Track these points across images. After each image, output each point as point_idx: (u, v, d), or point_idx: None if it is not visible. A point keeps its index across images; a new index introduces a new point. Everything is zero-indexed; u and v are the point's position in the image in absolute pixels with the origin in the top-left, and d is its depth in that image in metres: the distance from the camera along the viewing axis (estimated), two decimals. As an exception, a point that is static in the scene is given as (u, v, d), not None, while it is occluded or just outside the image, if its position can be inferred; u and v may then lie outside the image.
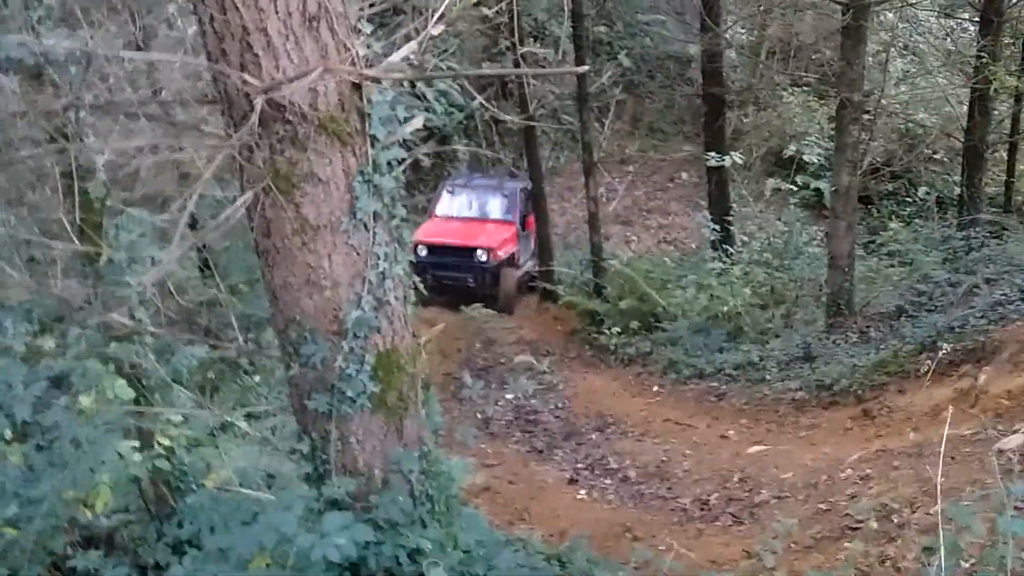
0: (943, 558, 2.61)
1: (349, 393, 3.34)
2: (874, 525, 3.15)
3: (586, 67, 12.00)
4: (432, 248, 13.84)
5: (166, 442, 4.42)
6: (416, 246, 13.12)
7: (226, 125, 3.12)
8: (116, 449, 3.91)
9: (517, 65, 12.12)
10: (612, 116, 17.99)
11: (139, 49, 5.11)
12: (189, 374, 5.04)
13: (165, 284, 6.60)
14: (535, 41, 16.46)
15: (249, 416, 5.96)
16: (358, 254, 3.24)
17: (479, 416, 8.20)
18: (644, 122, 20.11)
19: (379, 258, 3.28)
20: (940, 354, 6.26)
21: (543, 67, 15.63)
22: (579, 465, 6.91)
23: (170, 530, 3.92)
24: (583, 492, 6.33)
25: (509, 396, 8.83)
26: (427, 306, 10.56)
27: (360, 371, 3.34)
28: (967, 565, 2.79)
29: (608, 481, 6.45)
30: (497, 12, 11.05)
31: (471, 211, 15.13)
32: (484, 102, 7.43)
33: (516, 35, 9.64)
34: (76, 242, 4.51)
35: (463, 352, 10.55)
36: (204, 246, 10.66)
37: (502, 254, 14.28)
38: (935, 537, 2.77)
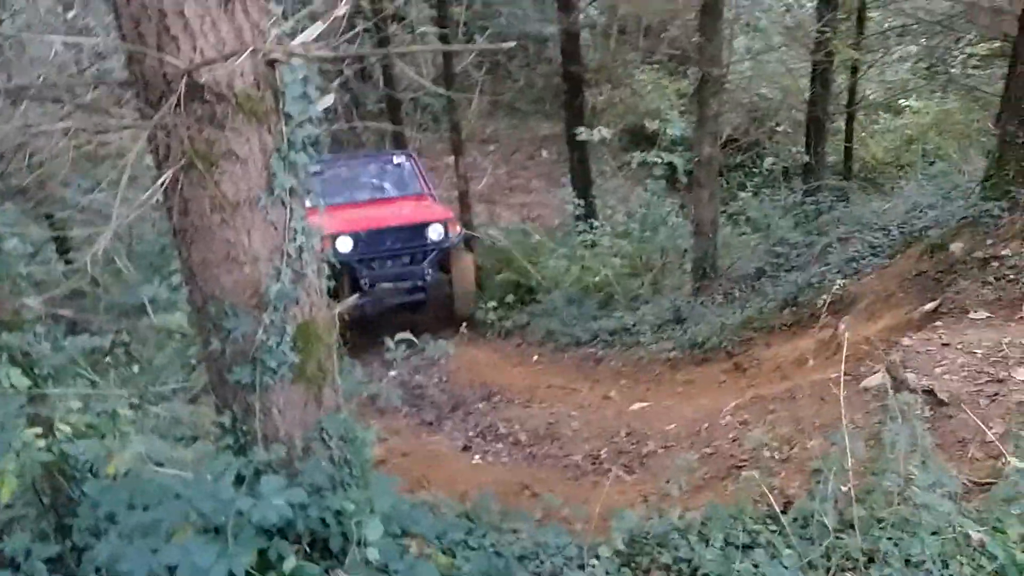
0: (831, 478, 2.94)
1: (271, 364, 3.46)
2: (767, 454, 3.49)
3: (464, 46, 12.13)
4: (361, 238, 9.97)
5: (67, 429, 4.40)
6: (333, 240, 9.79)
7: (141, 106, 3.17)
8: (20, 438, 3.88)
9: (382, 46, 12.17)
10: (477, 96, 18.20)
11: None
12: (84, 360, 5.00)
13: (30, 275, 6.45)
14: (393, 22, 16.46)
15: (134, 405, 5.91)
16: (276, 229, 3.36)
17: (364, 395, 8.29)
18: (503, 102, 20.42)
19: (296, 232, 3.40)
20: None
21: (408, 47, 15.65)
22: (470, 433, 7.13)
23: (84, 514, 3.92)
24: (477, 457, 6.56)
25: (392, 373, 8.95)
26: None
27: (281, 343, 3.46)
28: (844, 488, 3.11)
29: (500, 445, 6.71)
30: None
31: (360, 193, 11.35)
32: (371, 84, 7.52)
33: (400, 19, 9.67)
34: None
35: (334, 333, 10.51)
36: (65, 240, 10.36)
37: (460, 228, 11.01)
38: (820, 461, 3.07)
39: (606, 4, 17.81)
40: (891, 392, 3.11)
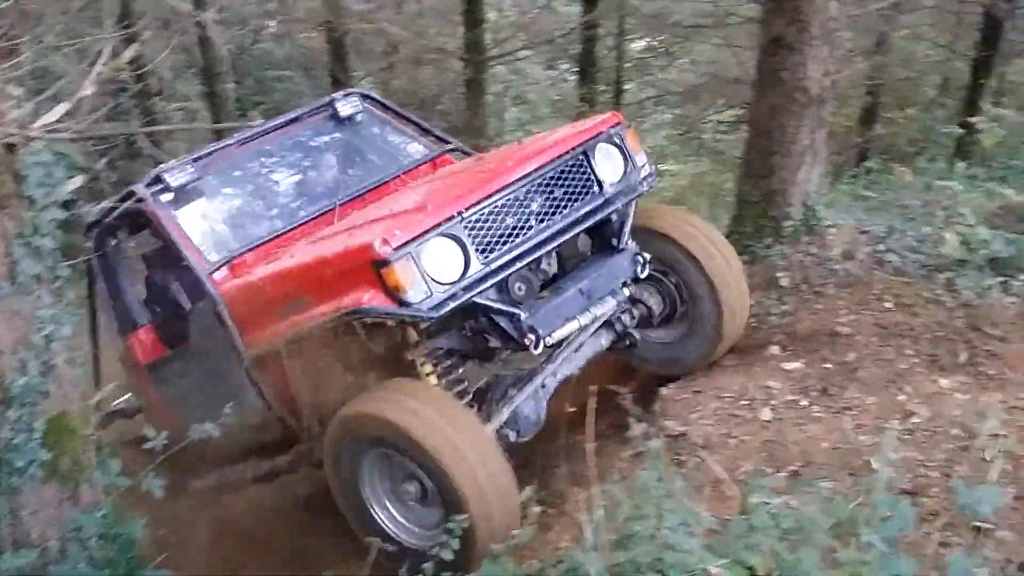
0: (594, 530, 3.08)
1: (18, 464, 3.28)
2: (536, 510, 3.61)
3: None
4: (474, 230, 4.03)
5: None
6: (406, 265, 3.82)
7: None
8: None
9: (148, 124, 11.84)
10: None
11: None
12: None
13: None
14: (160, 98, 16.04)
15: None
16: (21, 319, 3.21)
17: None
18: (282, 176, 20.19)
19: (43, 321, 3.26)
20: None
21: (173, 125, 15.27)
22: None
23: None
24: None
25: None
26: None
27: (29, 440, 3.28)
28: (612, 536, 3.25)
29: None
30: (117, 71, 10.76)
31: (316, 195, 5.31)
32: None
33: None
34: None
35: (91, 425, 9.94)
36: None
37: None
38: (589, 516, 3.21)
39: (379, 78, 18.09)
40: (645, 440, 3.31)
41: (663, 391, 4.89)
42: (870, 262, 5.55)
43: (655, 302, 4.98)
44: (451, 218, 3.95)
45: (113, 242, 5.51)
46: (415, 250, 3.82)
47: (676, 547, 2.65)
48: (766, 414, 4.48)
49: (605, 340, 4.78)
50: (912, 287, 5.29)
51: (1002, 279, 5.14)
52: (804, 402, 4.52)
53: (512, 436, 4.35)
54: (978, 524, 3.10)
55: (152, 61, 12.10)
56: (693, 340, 5.04)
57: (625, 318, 4.79)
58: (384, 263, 3.73)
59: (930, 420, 4.09)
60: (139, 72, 11.28)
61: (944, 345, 4.74)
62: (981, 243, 5.39)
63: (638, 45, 16.16)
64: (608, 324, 4.74)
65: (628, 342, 4.84)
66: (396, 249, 3.77)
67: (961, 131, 8.46)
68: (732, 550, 2.73)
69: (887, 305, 5.17)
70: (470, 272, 3.97)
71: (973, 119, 7.69)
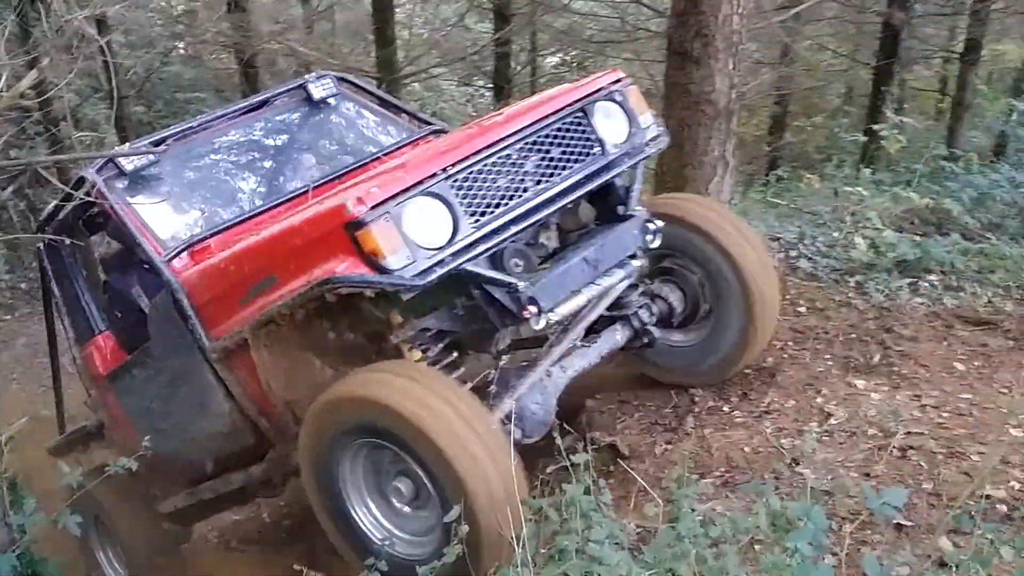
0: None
1: (-76, 508, 3.14)
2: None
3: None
4: (463, 190, 3.58)
5: None
6: (387, 230, 3.37)
7: None
8: None
9: (57, 152, 11.52)
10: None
11: None
12: None
13: None
14: (66, 124, 15.63)
15: None
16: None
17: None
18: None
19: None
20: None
21: (82, 152, 14.84)
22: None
23: None
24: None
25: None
26: None
27: (-66, 484, 3.16)
28: (543, 550, 3.26)
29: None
30: (22, 97, 10.45)
31: (280, 177, 5.05)
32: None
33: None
34: None
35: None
36: None
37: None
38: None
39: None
40: (568, 454, 3.32)
41: (589, 403, 4.92)
42: (783, 268, 5.70)
43: (676, 299, 4.57)
44: (435, 175, 3.50)
45: (67, 242, 4.92)
46: (395, 210, 3.36)
47: (603, 560, 2.67)
48: (690, 422, 4.53)
49: (621, 336, 4.40)
50: (824, 291, 5.45)
51: (910, 280, 5.32)
52: (726, 408, 4.58)
53: (517, 434, 3.76)
54: (898, 522, 3.21)
55: (56, 86, 11.78)
56: (716, 345, 4.61)
57: (643, 314, 4.41)
58: (359, 224, 3.31)
59: (847, 421, 4.17)
60: (42, 99, 10.96)
61: (858, 347, 4.86)
62: (889, 246, 5.58)
63: (551, 60, 16.33)
64: (625, 320, 4.40)
65: (646, 340, 4.45)
66: (372, 208, 3.32)
67: (865, 138, 8.76)
68: (659, 559, 2.76)
69: (801, 310, 5.31)
70: (459, 236, 3.51)
71: (876, 126, 7.93)
